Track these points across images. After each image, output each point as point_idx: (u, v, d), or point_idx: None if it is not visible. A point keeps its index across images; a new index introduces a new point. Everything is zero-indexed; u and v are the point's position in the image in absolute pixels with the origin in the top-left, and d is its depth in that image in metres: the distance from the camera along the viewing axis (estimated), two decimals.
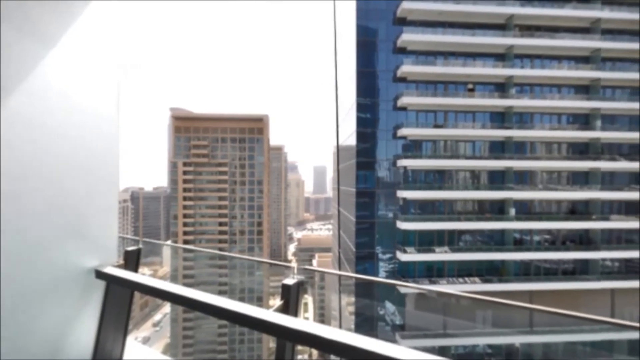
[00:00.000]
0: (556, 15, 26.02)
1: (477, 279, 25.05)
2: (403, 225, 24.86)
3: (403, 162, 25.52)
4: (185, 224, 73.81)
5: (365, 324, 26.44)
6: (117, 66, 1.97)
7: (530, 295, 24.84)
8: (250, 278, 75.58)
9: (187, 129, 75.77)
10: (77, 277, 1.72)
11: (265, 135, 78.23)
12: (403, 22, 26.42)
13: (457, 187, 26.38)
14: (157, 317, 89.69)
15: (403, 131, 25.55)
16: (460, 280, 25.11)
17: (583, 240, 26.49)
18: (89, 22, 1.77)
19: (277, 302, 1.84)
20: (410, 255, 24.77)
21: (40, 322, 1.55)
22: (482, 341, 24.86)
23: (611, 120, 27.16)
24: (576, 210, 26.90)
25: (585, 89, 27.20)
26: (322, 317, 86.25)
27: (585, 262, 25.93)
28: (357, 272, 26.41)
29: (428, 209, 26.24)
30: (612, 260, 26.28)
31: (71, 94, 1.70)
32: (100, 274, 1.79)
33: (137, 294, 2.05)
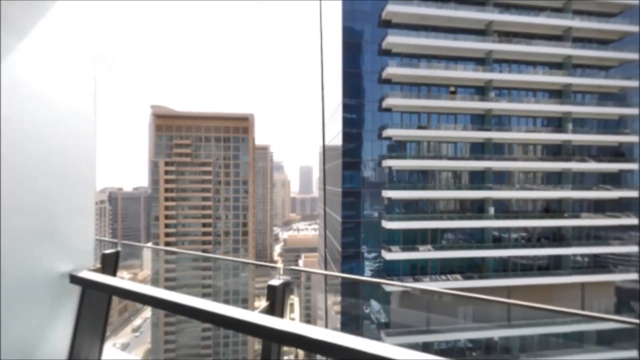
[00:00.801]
0: (532, 23, 27.27)
1: (458, 276, 25.83)
2: (388, 224, 25.25)
3: (388, 163, 25.93)
4: (167, 225, 71.62)
5: (351, 322, 26.68)
6: (94, 61, 1.88)
7: (508, 291, 25.89)
8: (235, 280, 74.38)
9: (169, 128, 73.55)
10: (49, 282, 1.63)
11: (250, 134, 77.22)
12: (388, 25, 26.85)
13: (440, 187, 27.11)
14: (137, 322, 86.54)
15: (388, 132, 25.96)
16: (443, 277, 25.80)
17: (556, 237, 27.90)
18: (62, 14, 1.68)
19: (262, 303, 1.82)
20: (395, 254, 25.21)
21: (9, 330, 1.45)
22: (463, 336, 25.68)
23: (581, 124, 28.78)
24: (550, 208, 28.31)
25: (558, 94, 28.68)
26: (308, 317, 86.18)
27: (558, 258, 27.33)
28: (343, 271, 26.58)
29: (412, 209, 26.80)
30: (582, 255, 27.85)
31: (43, 89, 1.61)
32: (74, 279, 1.70)
33: (115, 299, 1.97)
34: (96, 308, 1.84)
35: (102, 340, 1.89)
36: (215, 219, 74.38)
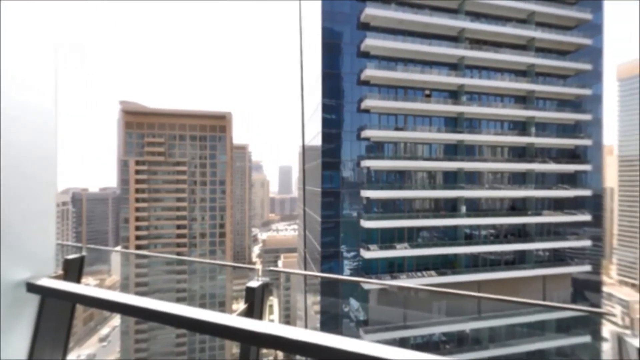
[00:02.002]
0: (499, 32, 28.97)
1: (433, 272, 26.85)
2: (366, 223, 25.71)
3: (366, 163, 26.40)
4: (138, 228, 68.03)
5: (331, 321, 26.85)
6: (55, 51, 1.74)
7: (479, 285, 27.31)
8: (211, 283, 72.23)
9: (140, 125, 69.92)
10: (2, 292, 1.49)
11: (228, 133, 75.33)
12: (367, 27, 27.33)
13: (416, 187, 28.04)
14: (105, 331, 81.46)
15: (366, 133, 26.43)
16: (419, 274, 26.71)
17: (521, 233, 29.86)
18: None
19: (241, 306, 1.79)
20: (373, 253, 25.71)
21: None
22: (437, 330, 26.74)
23: (543, 128, 31.02)
24: (515, 206, 30.24)
25: (522, 99, 30.70)
26: (287, 318, 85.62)
27: (522, 253, 29.25)
28: (322, 271, 26.69)
29: (389, 208, 27.48)
30: (544, 250, 30.02)
31: None
32: (32, 287, 1.56)
33: (80, 307, 1.83)
34: (57, 318, 1.71)
35: (65, 352, 1.76)
36: (190, 220, 71.77)
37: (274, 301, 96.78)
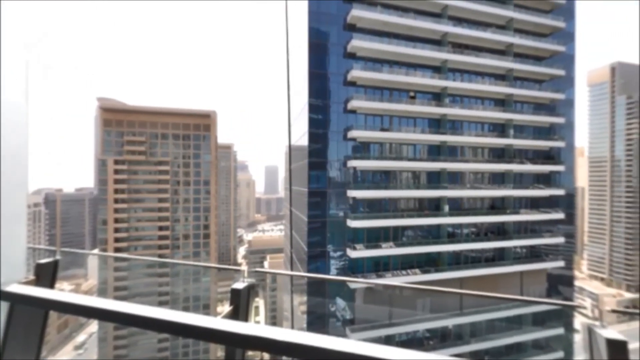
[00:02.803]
0: (480, 37, 29.97)
1: (417, 270, 27.43)
2: (353, 223, 25.91)
3: (353, 163, 26.61)
4: (117, 230, 65.45)
5: (318, 321, 26.88)
6: (25, 45, 1.64)
7: (461, 282, 28.15)
8: (195, 285, 70.59)
9: (120, 123, 67.29)
10: None
11: (212, 132, 73.82)
12: (353, 29, 27.55)
13: (401, 187, 28.54)
14: (81, 338, 77.75)
15: (353, 133, 26.64)
16: (404, 272, 27.20)
17: (500, 231, 31.03)
18: None
19: (226, 308, 1.76)
20: (359, 252, 25.95)
21: None
22: (421, 327, 27.33)
23: (520, 130, 32.37)
24: (495, 205, 31.39)
25: (502, 102, 31.91)
26: (274, 320, 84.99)
27: (501, 250, 30.41)
28: (309, 271, 26.67)
29: (375, 208, 27.83)
30: (521, 247, 31.34)
31: None
32: (0, 294, 1.47)
33: (54, 314, 1.75)
34: (28, 326, 1.62)
35: None
36: (173, 221, 69.80)
37: (260, 302, 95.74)
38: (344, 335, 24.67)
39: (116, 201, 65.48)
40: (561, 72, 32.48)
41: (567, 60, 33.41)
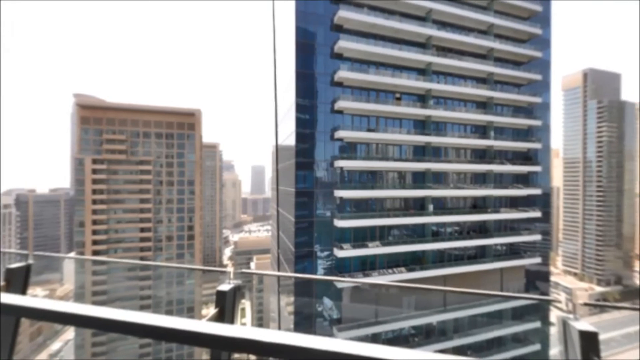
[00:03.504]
0: (463, 41, 30.87)
1: (403, 269, 27.90)
2: (340, 223, 26.04)
3: (340, 163, 26.74)
4: (95, 232, 62.82)
5: (305, 321, 26.83)
6: None
7: (444, 279, 28.88)
8: (179, 288, 68.84)
9: (98, 120, 64.63)
10: None
11: (197, 131, 72.20)
12: (340, 30, 27.69)
13: (387, 187, 28.94)
14: (56, 345, 74.12)
15: (340, 133, 26.77)
16: (390, 271, 27.60)
17: (482, 229, 32.06)
18: None
19: (211, 310, 1.72)
20: (346, 252, 26.11)
21: None
22: (407, 324, 27.82)
23: (501, 132, 33.59)
24: (477, 205, 32.40)
25: (483, 105, 32.98)
26: (260, 321, 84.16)
27: (483, 248, 31.43)
28: (296, 271, 26.58)
29: (362, 207, 28.09)
30: (501, 244, 32.51)
31: None
32: None
33: (26, 321, 1.65)
34: None
35: None
36: (156, 222, 67.75)
37: (246, 304, 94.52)
38: (331, 335, 24.74)
39: (94, 202, 62.84)
40: (538, 77, 33.96)
41: (543, 66, 34.98)
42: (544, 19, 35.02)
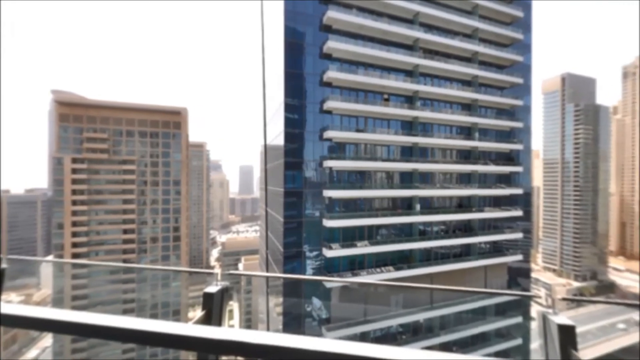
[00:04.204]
0: (449, 44, 31.57)
1: (391, 268, 28.27)
2: (329, 223, 26.10)
3: (329, 163, 26.80)
4: (75, 234, 60.46)
5: (294, 322, 26.74)
6: None
7: (431, 277, 29.45)
8: (165, 290, 67.19)
9: (78, 118, 62.24)
10: None
11: (183, 130, 70.70)
12: (329, 30, 27.76)
13: (375, 187, 29.23)
14: (32, 353, 70.70)
15: (329, 134, 26.83)
16: (378, 270, 27.90)
17: (466, 228, 32.89)
18: None
19: (198, 313, 1.69)
20: (335, 251, 26.20)
21: None
22: (395, 322, 28.20)
23: (485, 133, 34.57)
24: (462, 204, 33.22)
25: (468, 107, 33.85)
26: (248, 322, 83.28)
27: (467, 246, 32.25)
28: (285, 271, 26.45)
29: (351, 207, 28.26)
30: (485, 243, 33.46)
31: None
32: None
33: None
34: None
35: None
36: (140, 224, 65.87)
37: (234, 306, 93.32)
38: (320, 335, 24.76)
39: (74, 203, 60.46)
40: (519, 80, 35.16)
41: (524, 70, 36.25)
42: (525, 25, 36.29)
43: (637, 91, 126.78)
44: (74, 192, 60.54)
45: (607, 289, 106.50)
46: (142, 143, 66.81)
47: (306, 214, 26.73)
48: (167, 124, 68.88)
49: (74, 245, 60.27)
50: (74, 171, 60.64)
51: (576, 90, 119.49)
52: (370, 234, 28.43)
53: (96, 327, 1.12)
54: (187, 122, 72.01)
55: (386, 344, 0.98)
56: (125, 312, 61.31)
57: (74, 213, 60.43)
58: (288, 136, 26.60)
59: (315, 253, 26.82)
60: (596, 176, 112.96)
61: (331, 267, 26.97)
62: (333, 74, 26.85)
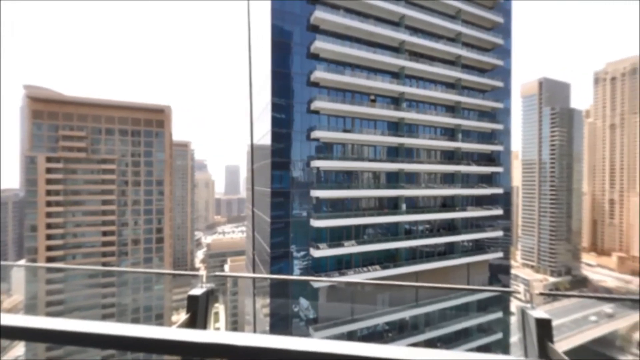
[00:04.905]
0: (433, 47, 32.30)
1: (377, 267, 28.61)
2: (316, 222, 26.11)
3: (316, 163, 26.80)
4: (49, 237, 57.59)
5: (281, 323, 26.58)
6: None
7: (417, 275, 30.03)
8: (147, 294, 65.14)
9: (54, 115, 59.33)
10: None
11: (167, 129, 68.78)
12: (316, 30, 27.77)
13: (362, 186, 29.50)
14: None
15: (316, 134, 26.84)
16: (365, 269, 28.17)
17: (450, 227, 33.76)
18: None
19: (182, 316, 1.65)
20: (322, 251, 26.24)
21: None
22: (381, 320, 28.57)
23: (467, 134, 35.60)
24: (446, 203, 34.08)
25: (452, 109, 34.76)
26: (235, 325, 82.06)
27: (451, 244, 33.11)
28: (272, 272, 26.24)
29: (338, 207, 28.38)
30: (468, 241, 34.47)
31: None
32: None
33: None
34: None
35: None
36: (120, 225, 63.54)
37: (219, 308, 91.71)
38: (307, 335, 24.73)
39: (49, 204, 57.56)
40: (500, 84, 36.45)
41: (504, 74, 37.62)
42: (505, 30, 37.67)
43: (607, 96, 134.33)
44: (48, 192, 57.63)
45: (580, 283, 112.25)
46: (123, 142, 64.47)
47: (293, 214, 26.62)
48: (149, 122, 66.79)
49: (49, 248, 57.37)
50: (49, 170, 57.73)
51: (552, 94, 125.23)
52: (357, 234, 28.66)
53: (73, 333, 1.06)
54: (170, 121, 70.10)
55: (373, 343, 0.99)
56: (104, 317, 58.96)
57: (49, 215, 57.54)
58: (275, 136, 26.40)
59: (302, 253, 26.77)
60: (570, 176, 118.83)
61: (319, 267, 26.99)
62: (320, 74, 26.87)
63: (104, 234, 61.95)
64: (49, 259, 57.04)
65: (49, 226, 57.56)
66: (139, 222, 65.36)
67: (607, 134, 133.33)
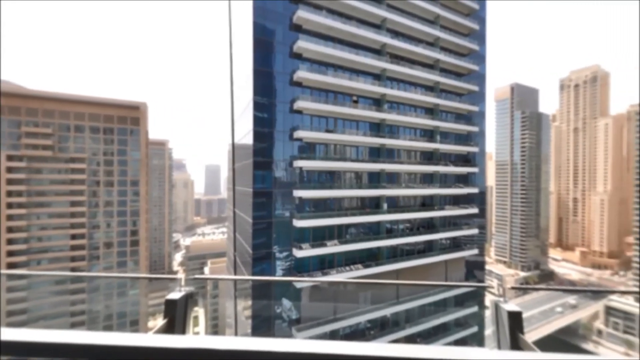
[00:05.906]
0: (413, 51, 33.19)
1: (360, 266, 28.98)
2: (299, 223, 26.02)
3: (299, 163, 26.72)
4: (10, 241, 53.46)
5: (263, 324, 26.26)
6: None
7: (397, 273, 30.72)
8: (121, 300, 62.11)
9: (15, 110, 55.13)
10: None
11: (142, 126, 65.87)
12: (299, 30, 27.68)
13: (345, 186, 29.77)
14: None
15: (299, 133, 26.75)
16: (347, 268, 28.44)
17: (429, 225, 34.84)
18: None
19: (159, 322, 1.59)
20: (305, 251, 26.20)
21: None
22: (363, 318, 28.96)
23: (445, 136, 36.89)
24: (425, 203, 35.12)
25: (430, 111, 35.87)
26: (215, 328, 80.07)
27: (430, 242, 34.17)
28: (254, 273, 25.85)
29: (321, 207, 28.46)
30: (446, 239, 35.72)
31: None
32: None
33: None
34: None
35: None
36: (91, 228, 60.12)
37: (199, 312, 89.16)
38: (290, 336, 24.59)
39: (9, 206, 53.39)
40: (475, 88, 38.09)
41: (480, 78, 39.36)
42: (480, 37, 39.40)
43: (571, 101, 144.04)
44: (9, 193, 53.45)
45: (548, 277, 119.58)
46: (94, 139, 61.01)
47: (276, 214, 26.39)
48: (123, 120, 63.65)
49: (10, 253, 53.22)
50: (10, 170, 53.56)
51: (522, 99, 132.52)
52: (339, 233, 28.87)
53: (36, 344, 0.99)
54: (146, 118, 67.19)
55: (355, 341, 1.00)
56: (73, 325, 55.54)
57: (10, 217, 53.38)
58: (257, 135, 26.04)
59: (285, 254, 26.59)
60: (539, 176, 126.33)
61: (301, 267, 26.93)
62: (303, 74, 26.81)
63: (73, 237, 58.33)
64: (10, 265, 52.92)
65: (9, 230, 53.40)
66: (112, 225, 62.14)
67: (571, 137, 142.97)
